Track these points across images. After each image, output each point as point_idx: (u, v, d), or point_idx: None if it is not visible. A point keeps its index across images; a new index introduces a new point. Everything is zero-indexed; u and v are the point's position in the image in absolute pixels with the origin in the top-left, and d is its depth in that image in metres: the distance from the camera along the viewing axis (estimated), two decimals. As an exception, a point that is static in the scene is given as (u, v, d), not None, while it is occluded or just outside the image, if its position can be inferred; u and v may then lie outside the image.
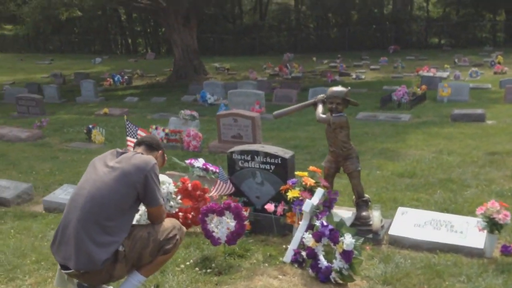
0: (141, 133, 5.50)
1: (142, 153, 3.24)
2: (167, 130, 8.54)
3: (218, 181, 4.67)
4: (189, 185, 4.73)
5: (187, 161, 5.22)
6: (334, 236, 3.61)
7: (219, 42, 41.01)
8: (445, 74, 20.09)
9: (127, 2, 24.45)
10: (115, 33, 46.27)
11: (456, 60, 25.25)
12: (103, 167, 3.13)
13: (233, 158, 4.73)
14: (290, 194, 4.23)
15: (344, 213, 4.52)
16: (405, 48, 34.66)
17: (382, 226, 4.43)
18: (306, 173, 4.39)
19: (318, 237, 3.68)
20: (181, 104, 15.39)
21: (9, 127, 10.48)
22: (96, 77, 26.37)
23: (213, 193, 4.63)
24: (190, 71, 24.08)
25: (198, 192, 4.72)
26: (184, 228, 3.38)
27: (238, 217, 3.97)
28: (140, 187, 3.07)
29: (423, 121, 10.53)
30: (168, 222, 3.27)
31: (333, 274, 3.59)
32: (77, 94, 18.48)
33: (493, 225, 3.86)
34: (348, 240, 3.53)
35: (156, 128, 8.64)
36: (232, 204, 3.98)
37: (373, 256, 4.02)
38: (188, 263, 3.91)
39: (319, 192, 4.09)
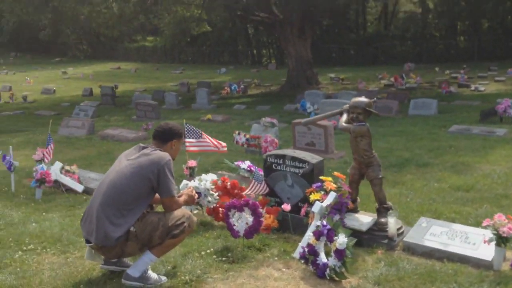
0: (205, 138, 6.11)
1: (158, 149, 3.82)
2: (248, 136, 9.16)
3: (253, 181, 5.14)
4: (228, 183, 5.26)
5: (236, 163, 5.75)
6: (330, 235, 3.90)
7: (340, 52, 41.15)
8: None
9: (245, 16, 25.81)
10: (242, 45, 48.50)
11: None
12: (125, 160, 3.79)
13: (268, 161, 5.17)
14: (312, 197, 4.57)
15: (365, 218, 4.72)
16: (544, 58, 31.87)
17: (401, 233, 4.57)
18: (330, 178, 4.69)
19: (317, 236, 3.99)
20: (283, 112, 16.02)
21: (120, 129, 11.89)
22: (218, 86, 28.10)
23: (247, 191, 5.11)
24: (303, 81, 24.65)
25: (236, 191, 5.24)
26: (195, 218, 3.89)
27: (255, 213, 4.40)
28: (153, 180, 3.65)
29: (519, 137, 9.96)
30: (180, 211, 3.81)
31: (328, 271, 3.87)
32: (195, 101, 19.99)
33: (499, 238, 3.85)
34: (341, 240, 3.80)
35: (239, 134, 9.31)
36: (250, 202, 4.42)
37: (381, 260, 4.19)
38: (209, 250, 4.41)
39: (331, 196, 4.38)
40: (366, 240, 4.53)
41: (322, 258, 3.96)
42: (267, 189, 5.17)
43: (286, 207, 4.70)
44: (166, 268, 4.08)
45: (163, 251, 3.81)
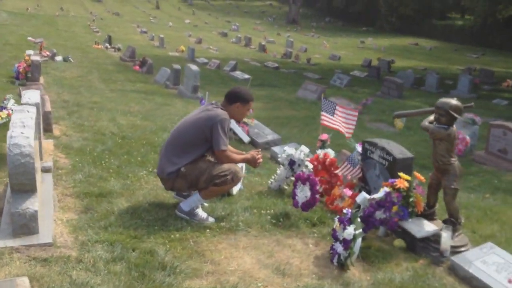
0: (339, 109, 6.29)
1: (221, 107, 4.40)
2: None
3: (345, 162, 5.22)
4: (328, 160, 5.45)
5: (356, 144, 5.82)
6: (344, 224, 3.90)
7: None
8: None
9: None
10: None
11: None
12: (193, 113, 4.54)
13: (365, 147, 5.16)
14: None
15: (430, 226, 4.35)
16: None
17: (460, 251, 4.12)
18: (408, 177, 4.49)
19: (340, 222, 4.03)
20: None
21: (341, 99, 12.41)
22: (505, 76, 25.44)
23: (338, 171, 5.23)
24: None
25: (332, 168, 5.41)
26: (241, 174, 4.42)
27: (312, 189, 4.61)
28: (207, 132, 4.31)
29: None
30: (228, 165, 4.37)
31: (337, 258, 3.91)
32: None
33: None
34: (349, 230, 3.80)
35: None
36: (311, 177, 4.64)
37: (413, 269, 3.95)
38: (269, 211, 4.81)
39: (382, 192, 4.26)
40: (420, 247, 4.26)
41: (339, 244, 4.00)
42: (361, 173, 5.19)
43: (347, 192, 4.71)
44: (221, 213, 4.69)
45: (208, 195, 4.45)
